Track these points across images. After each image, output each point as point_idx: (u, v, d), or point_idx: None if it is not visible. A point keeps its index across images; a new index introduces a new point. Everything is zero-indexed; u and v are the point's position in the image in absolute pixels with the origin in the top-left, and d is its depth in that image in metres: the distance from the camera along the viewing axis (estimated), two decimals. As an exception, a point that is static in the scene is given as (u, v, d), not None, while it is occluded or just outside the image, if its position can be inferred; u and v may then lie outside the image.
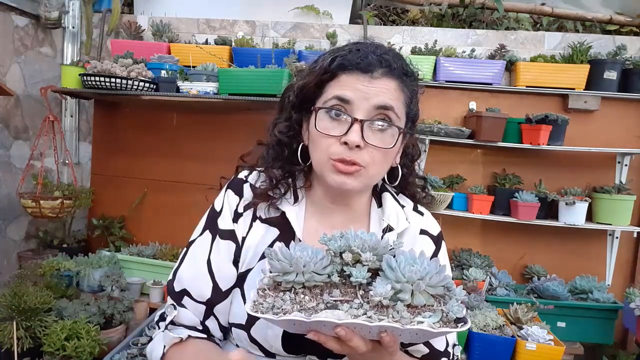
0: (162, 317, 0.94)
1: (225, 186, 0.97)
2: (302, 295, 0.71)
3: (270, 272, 0.74)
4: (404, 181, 1.00)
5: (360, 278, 0.70)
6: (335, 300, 0.70)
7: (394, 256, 0.72)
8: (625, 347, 2.40)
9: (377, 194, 1.00)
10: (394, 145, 0.86)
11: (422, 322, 0.65)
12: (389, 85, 0.86)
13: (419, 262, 0.70)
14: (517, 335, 1.92)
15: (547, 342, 1.88)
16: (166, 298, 0.97)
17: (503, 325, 1.98)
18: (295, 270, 0.71)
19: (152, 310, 2.32)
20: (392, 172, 0.96)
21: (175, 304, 0.91)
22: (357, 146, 0.82)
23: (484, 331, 1.95)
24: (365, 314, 0.67)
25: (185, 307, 0.91)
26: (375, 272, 0.73)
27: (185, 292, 0.91)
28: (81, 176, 2.82)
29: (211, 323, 0.92)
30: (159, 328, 0.93)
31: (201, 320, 0.91)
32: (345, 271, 0.73)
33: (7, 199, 2.47)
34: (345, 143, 0.82)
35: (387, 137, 0.86)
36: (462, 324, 0.68)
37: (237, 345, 0.92)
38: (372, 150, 0.84)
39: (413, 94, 0.92)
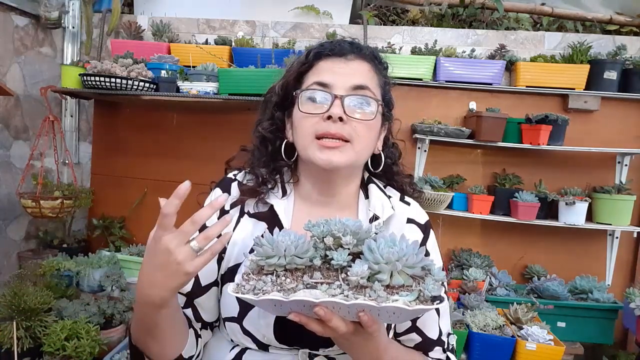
0: None
1: (215, 185, 1.00)
2: (283, 278, 0.72)
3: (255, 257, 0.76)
4: (389, 171, 1.03)
5: (340, 261, 0.72)
6: (315, 282, 0.71)
7: (375, 240, 0.73)
8: (625, 347, 2.40)
9: (364, 185, 1.02)
10: (374, 117, 0.91)
11: (397, 300, 0.67)
12: (363, 67, 0.93)
13: (398, 244, 0.72)
14: (517, 335, 1.93)
15: (547, 342, 1.88)
16: None
17: (503, 325, 1.98)
18: (277, 253, 0.73)
19: (152, 310, 2.31)
20: (375, 160, 0.99)
21: None
22: (340, 119, 0.86)
23: (484, 331, 1.96)
24: (343, 293, 0.68)
25: None
26: (357, 256, 0.74)
27: None
28: (81, 176, 2.82)
29: (189, 312, 0.93)
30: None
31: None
32: (328, 256, 0.75)
33: (7, 199, 2.47)
34: (329, 117, 0.86)
35: (368, 110, 0.90)
36: (438, 301, 0.69)
37: (231, 340, 0.93)
38: (355, 124, 0.88)
39: (386, 80, 0.99)
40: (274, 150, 0.98)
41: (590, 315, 2.21)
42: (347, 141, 0.87)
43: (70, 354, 1.77)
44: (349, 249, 0.74)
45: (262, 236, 0.75)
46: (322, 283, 0.71)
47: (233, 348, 0.92)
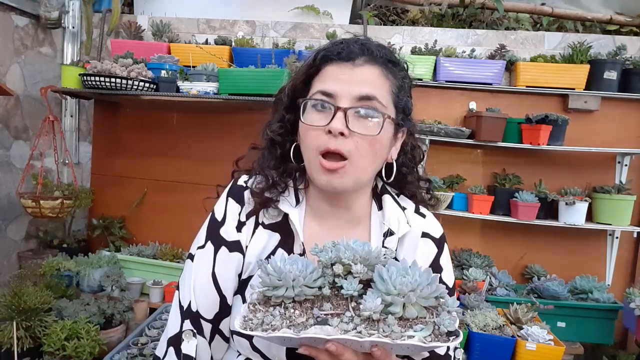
0: (176, 340, 0.88)
1: (226, 194, 0.94)
2: (292, 310, 0.69)
3: (261, 286, 0.73)
4: (403, 180, 0.98)
5: (351, 290, 0.69)
6: (325, 314, 0.68)
7: (385, 266, 0.71)
8: (625, 347, 2.40)
9: (377, 195, 0.97)
10: (379, 133, 0.83)
11: (413, 337, 0.64)
12: (372, 72, 0.84)
13: (410, 272, 0.69)
14: (517, 335, 1.92)
15: (547, 342, 1.88)
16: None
17: (503, 325, 1.98)
18: (285, 284, 0.70)
19: (152, 310, 2.31)
20: (389, 169, 0.94)
21: (194, 330, 0.87)
22: (342, 134, 0.80)
23: (484, 331, 1.95)
24: (355, 328, 0.66)
25: (203, 335, 0.87)
26: (367, 283, 0.72)
27: (198, 314, 0.88)
28: (81, 176, 2.82)
29: (216, 344, 0.90)
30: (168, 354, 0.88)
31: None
32: (337, 283, 0.72)
33: (7, 199, 2.47)
34: (330, 132, 0.81)
35: (372, 125, 0.82)
36: (454, 337, 0.66)
37: (237, 352, 0.90)
38: (357, 139, 0.81)
39: (402, 83, 0.89)
40: (283, 153, 0.94)
41: (590, 315, 2.21)
42: (345, 159, 0.81)
43: (70, 354, 1.77)
44: (359, 277, 0.71)
45: (275, 252, 0.72)
46: (332, 315, 0.68)
47: (240, 355, 0.90)
